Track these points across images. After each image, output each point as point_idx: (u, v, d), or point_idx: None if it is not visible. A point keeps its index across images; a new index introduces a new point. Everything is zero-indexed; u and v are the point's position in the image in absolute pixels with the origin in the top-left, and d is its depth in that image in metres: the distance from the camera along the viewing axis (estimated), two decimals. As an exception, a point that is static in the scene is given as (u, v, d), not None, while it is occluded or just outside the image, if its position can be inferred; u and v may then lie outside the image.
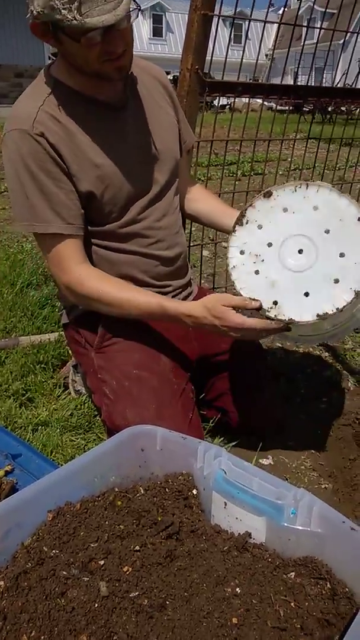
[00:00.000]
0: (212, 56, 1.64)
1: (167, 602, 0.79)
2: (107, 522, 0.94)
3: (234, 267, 1.20)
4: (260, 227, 1.21)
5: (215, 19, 1.56)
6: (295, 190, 1.19)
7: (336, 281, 1.12)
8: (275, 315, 1.14)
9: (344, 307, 1.10)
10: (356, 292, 1.10)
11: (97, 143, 1.24)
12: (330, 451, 1.62)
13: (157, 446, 1.07)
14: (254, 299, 1.15)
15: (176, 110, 1.44)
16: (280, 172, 2.32)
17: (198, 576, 0.84)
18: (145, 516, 0.97)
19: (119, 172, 1.27)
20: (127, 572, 0.82)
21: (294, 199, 1.19)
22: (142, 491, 1.04)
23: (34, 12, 1.06)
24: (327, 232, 1.14)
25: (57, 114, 1.20)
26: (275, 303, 1.15)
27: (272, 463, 1.46)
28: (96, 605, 0.76)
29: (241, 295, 1.17)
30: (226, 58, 1.65)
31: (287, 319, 1.13)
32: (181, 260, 1.44)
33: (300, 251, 1.16)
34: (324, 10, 2.20)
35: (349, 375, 1.91)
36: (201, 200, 1.57)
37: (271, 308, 1.15)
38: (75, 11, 1.02)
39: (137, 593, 0.79)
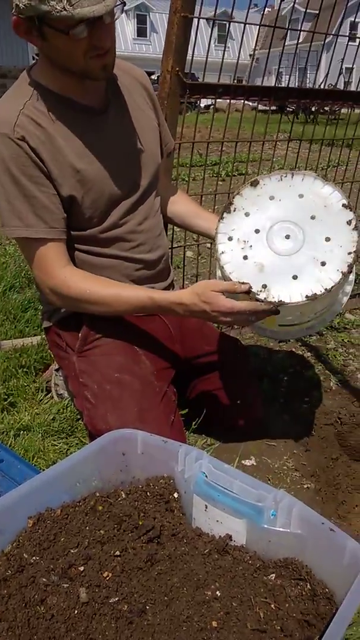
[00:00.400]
0: (192, 56, 1.64)
1: (147, 607, 0.79)
2: (87, 528, 0.94)
3: (222, 252, 1.22)
4: (247, 214, 1.23)
5: (197, 19, 1.57)
6: (281, 179, 1.22)
7: (323, 264, 1.15)
8: (265, 298, 1.16)
9: (332, 287, 1.13)
10: (343, 272, 1.13)
11: (78, 147, 1.23)
12: (312, 451, 1.63)
13: (138, 450, 1.06)
14: (243, 282, 1.16)
15: (157, 113, 1.44)
16: (264, 173, 2.32)
17: (178, 580, 0.84)
18: (126, 520, 0.97)
19: (100, 177, 1.26)
20: (107, 578, 0.82)
21: (280, 187, 1.22)
22: (123, 495, 1.04)
23: (20, 5, 1.04)
24: (312, 218, 1.18)
25: (38, 117, 1.19)
26: (264, 286, 1.17)
27: (254, 464, 1.47)
28: (76, 611, 0.76)
29: (231, 280, 1.18)
30: (207, 58, 1.65)
31: (277, 300, 1.14)
32: (163, 262, 1.44)
33: (287, 236, 1.19)
34: (304, 10, 2.21)
35: (331, 374, 1.92)
36: (177, 202, 1.58)
37: (260, 291, 1.16)
38: (65, 1, 1.00)
39: (117, 598, 0.79)
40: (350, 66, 2.72)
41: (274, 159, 2.44)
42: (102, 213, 1.28)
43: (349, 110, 2.50)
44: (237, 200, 1.24)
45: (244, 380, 1.56)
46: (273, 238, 1.19)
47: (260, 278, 1.17)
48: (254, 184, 1.23)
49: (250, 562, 0.89)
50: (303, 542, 0.87)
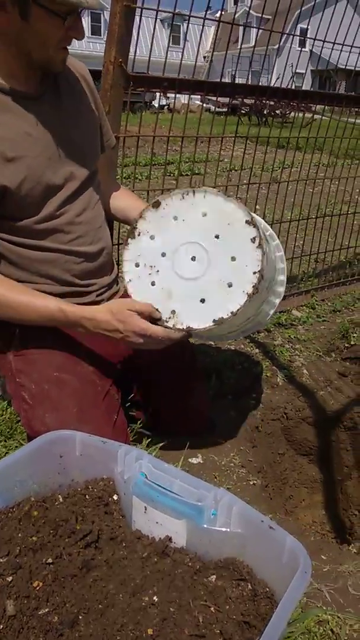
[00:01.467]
0: (149, 56, 1.61)
1: (80, 617, 0.75)
2: (20, 535, 0.89)
3: (129, 280, 1.21)
4: (152, 237, 1.21)
5: (152, 20, 1.54)
6: (183, 198, 1.18)
7: (230, 285, 1.13)
8: (173, 325, 1.16)
9: (238, 310, 1.12)
10: (248, 294, 1.12)
11: (10, 134, 1.17)
12: (259, 447, 1.63)
13: (77, 451, 1.02)
14: (156, 309, 1.16)
15: (97, 107, 1.39)
16: (218, 173, 2.31)
17: (114, 586, 0.80)
18: (62, 525, 0.93)
19: (34, 165, 1.20)
20: (38, 588, 0.78)
21: (183, 206, 1.18)
22: (60, 499, 0.99)
23: None
24: (217, 237, 1.15)
25: None
26: (173, 312, 1.17)
27: (201, 462, 1.45)
28: (1, 626, 0.71)
29: None
30: (150, 55, 1.62)
31: (185, 328, 1.15)
32: (104, 255, 1.39)
33: (193, 258, 1.17)
34: (261, 15, 2.22)
35: (278, 370, 1.93)
36: (120, 197, 1.54)
37: (169, 318, 1.17)
38: None
39: (47, 610, 0.75)
40: (298, 70, 2.77)
41: (227, 160, 2.43)
42: (37, 203, 1.22)
43: (296, 113, 2.54)
44: (141, 224, 1.21)
45: (190, 378, 1.54)
46: (179, 261, 1.17)
47: (169, 304, 1.17)
48: (156, 205, 1.19)
49: (190, 564, 0.86)
50: (243, 541, 0.85)
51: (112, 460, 0.98)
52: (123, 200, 1.53)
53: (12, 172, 1.17)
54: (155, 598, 0.78)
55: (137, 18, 1.56)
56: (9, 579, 0.78)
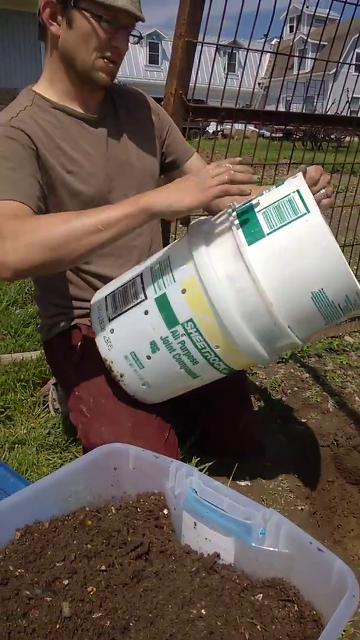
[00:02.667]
0: (209, 85, 1.70)
1: (131, 624, 0.78)
2: (75, 542, 0.93)
3: None
4: None
5: (210, 48, 1.62)
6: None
7: None
8: None
9: None
10: None
11: (73, 153, 1.25)
12: (308, 473, 1.62)
13: (130, 465, 1.06)
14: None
15: (162, 128, 1.44)
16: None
17: (164, 597, 0.83)
18: (115, 536, 0.96)
19: (91, 184, 1.28)
20: (92, 592, 0.81)
21: None
22: (113, 511, 1.03)
23: None
24: None
25: (36, 115, 1.22)
26: None
27: (249, 484, 1.45)
28: (57, 626, 0.75)
29: None
30: (209, 83, 1.69)
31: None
32: None
33: None
34: (315, 41, 2.28)
35: (329, 396, 1.92)
36: None
37: None
38: None
39: (100, 614, 0.78)
40: (357, 96, 2.78)
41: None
42: None
43: (352, 138, 2.55)
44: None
45: (239, 401, 1.56)
46: None
47: None
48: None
49: (237, 581, 0.88)
50: (291, 562, 0.86)
51: (164, 475, 1.01)
52: None
53: (65, 188, 1.25)
54: (203, 611, 0.80)
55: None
56: (65, 582, 0.82)
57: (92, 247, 1.06)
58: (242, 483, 1.46)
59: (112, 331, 1.23)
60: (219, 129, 2.18)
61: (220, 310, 1.09)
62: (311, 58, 2.16)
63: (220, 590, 0.85)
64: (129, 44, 1.24)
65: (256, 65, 1.97)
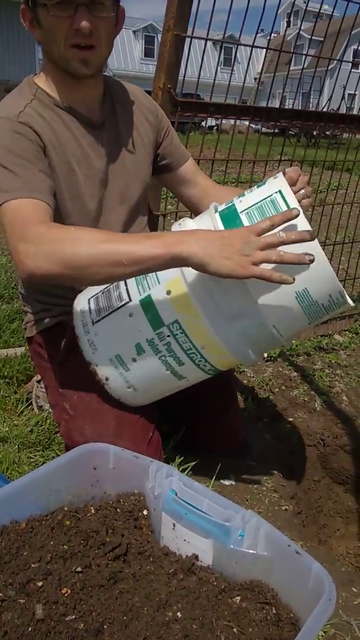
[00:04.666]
0: (198, 79, 1.68)
1: (105, 627, 0.76)
2: (52, 542, 0.91)
3: None
4: None
5: (203, 42, 1.60)
6: None
7: None
8: None
9: None
10: None
11: (75, 154, 1.24)
12: (294, 473, 1.61)
13: (110, 465, 1.04)
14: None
15: (160, 132, 1.44)
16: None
17: (139, 599, 0.81)
18: (93, 537, 0.95)
19: (88, 186, 1.26)
20: (66, 594, 0.80)
21: None
22: (92, 511, 1.01)
23: None
24: None
25: (44, 114, 1.20)
26: None
27: (233, 483, 1.45)
28: (30, 629, 0.74)
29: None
30: (198, 77, 1.67)
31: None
32: None
33: None
34: (309, 37, 2.26)
35: (316, 395, 1.91)
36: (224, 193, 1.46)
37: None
38: None
39: (74, 616, 0.77)
40: (353, 92, 2.77)
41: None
42: (82, 222, 1.28)
43: (350, 135, 2.54)
44: None
45: (227, 399, 1.55)
46: None
47: None
48: None
49: (215, 583, 0.87)
50: (270, 565, 0.85)
51: (144, 475, 1.00)
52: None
53: (70, 184, 1.24)
54: (179, 614, 0.79)
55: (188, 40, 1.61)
56: (40, 584, 0.81)
57: (111, 277, 1.04)
58: (227, 482, 1.45)
59: (96, 334, 1.22)
60: (214, 124, 2.16)
61: (206, 311, 1.08)
62: (303, 54, 2.14)
63: (197, 592, 0.84)
64: (105, 23, 1.14)
65: (255, 60, 1.95)
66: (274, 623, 0.82)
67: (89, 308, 1.23)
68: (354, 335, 2.45)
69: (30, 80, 1.27)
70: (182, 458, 1.41)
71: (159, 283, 1.12)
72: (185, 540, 0.92)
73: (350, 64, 2.38)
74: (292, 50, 2.05)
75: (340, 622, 1.09)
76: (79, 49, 1.14)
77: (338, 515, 1.79)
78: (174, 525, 0.93)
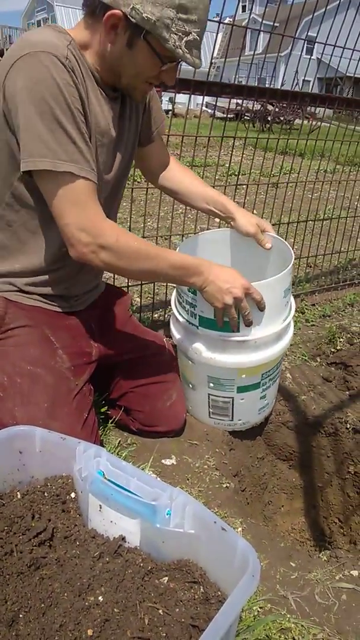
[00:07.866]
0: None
1: (20, 616, 0.73)
2: (-29, 530, 0.87)
3: None
4: None
5: None
6: None
7: None
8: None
9: None
10: None
11: (99, 118, 1.20)
12: (237, 450, 1.60)
13: (37, 448, 1.00)
14: None
15: (152, 107, 1.44)
16: (217, 177, 2.28)
17: (60, 585, 0.78)
18: (18, 522, 0.91)
19: (103, 156, 1.24)
20: (-20, 584, 0.76)
21: None
22: (19, 496, 0.97)
23: (140, 12, 1.03)
24: None
25: (77, 63, 1.11)
26: None
27: (174, 463, 1.42)
28: None
29: None
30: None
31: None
32: None
33: None
34: (261, 21, 2.22)
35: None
36: (183, 176, 1.60)
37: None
38: (184, 44, 1.08)
39: (-14, 607, 0.72)
40: (304, 78, 2.75)
41: (230, 165, 2.41)
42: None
43: (302, 120, 2.53)
44: None
45: (167, 377, 1.52)
46: None
47: None
48: None
49: (142, 564, 0.84)
50: (197, 543, 0.83)
51: (72, 457, 0.96)
52: (186, 180, 1.60)
53: (96, 147, 1.21)
54: (100, 598, 0.76)
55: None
56: None
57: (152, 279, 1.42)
58: (168, 462, 1.42)
59: None
60: (169, 108, 2.11)
61: None
62: (258, 30, 2.08)
63: (122, 575, 0.82)
64: None
65: (212, 43, 1.90)
66: (202, 602, 0.81)
67: None
68: (299, 314, 2.46)
69: (56, 27, 1.14)
70: (124, 439, 1.38)
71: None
72: (112, 521, 0.89)
73: (306, 50, 2.35)
74: (245, 37, 2.00)
75: (276, 597, 1.08)
76: (150, 84, 1.20)
77: (282, 492, 1.80)
78: (101, 507, 0.90)
